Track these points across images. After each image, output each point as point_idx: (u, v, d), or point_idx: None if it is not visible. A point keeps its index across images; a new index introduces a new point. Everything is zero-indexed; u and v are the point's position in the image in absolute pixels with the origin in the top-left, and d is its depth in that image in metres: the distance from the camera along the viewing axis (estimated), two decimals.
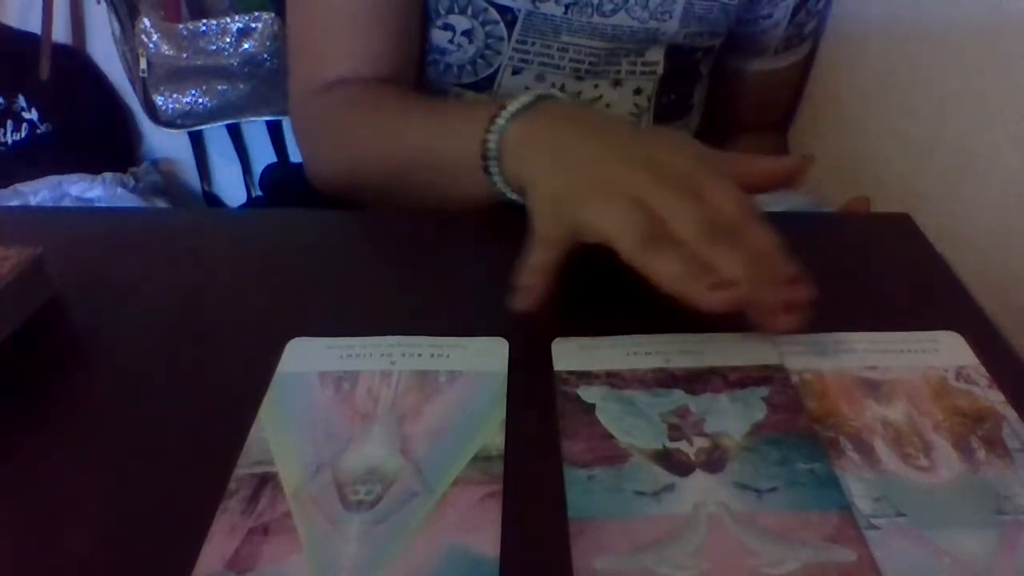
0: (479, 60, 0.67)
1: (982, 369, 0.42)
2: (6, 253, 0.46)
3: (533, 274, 0.44)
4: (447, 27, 0.67)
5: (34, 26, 1.32)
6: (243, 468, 0.36)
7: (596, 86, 0.69)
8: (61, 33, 1.36)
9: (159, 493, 0.36)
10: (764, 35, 0.75)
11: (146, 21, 1.23)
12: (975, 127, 0.58)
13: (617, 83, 0.69)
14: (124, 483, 0.36)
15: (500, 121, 0.49)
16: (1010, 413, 0.39)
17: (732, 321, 0.45)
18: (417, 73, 0.70)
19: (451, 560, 0.32)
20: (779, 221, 0.59)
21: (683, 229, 0.41)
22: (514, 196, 0.51)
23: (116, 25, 1.27)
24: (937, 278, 0.51)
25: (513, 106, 0.49)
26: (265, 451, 0.37)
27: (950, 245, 0.54)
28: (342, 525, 0.33)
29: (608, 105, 0.70)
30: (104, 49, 1.37)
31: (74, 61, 1.38)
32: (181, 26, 1.24)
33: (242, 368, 0.43)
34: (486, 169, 0.50)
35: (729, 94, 0.82)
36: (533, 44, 0.67)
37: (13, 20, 1.36)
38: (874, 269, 0.52)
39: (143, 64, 1.25)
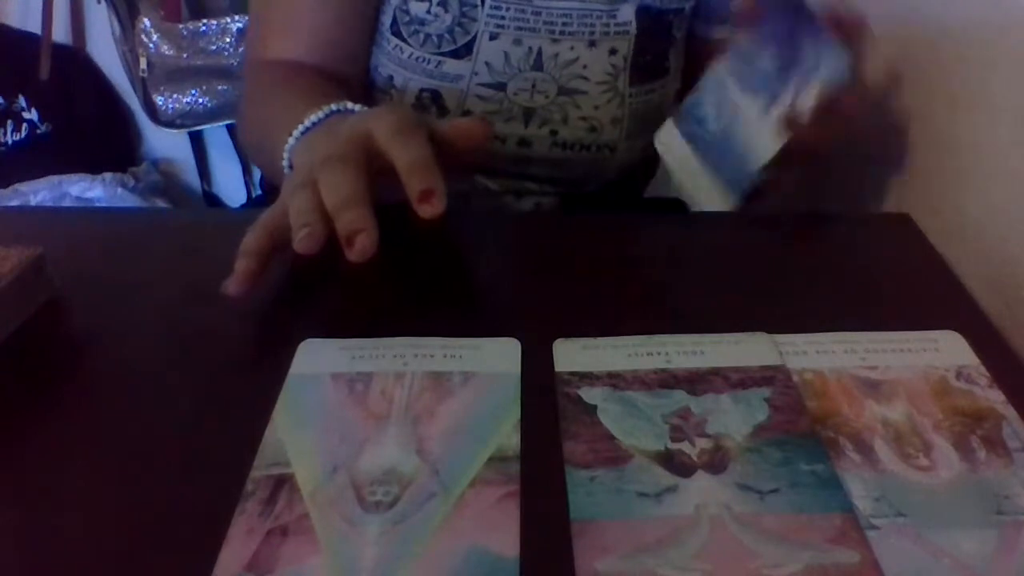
0: (456, 28, 0.69)
1: (982, 369, 0.42)
2: (6, 253, 0.46)
3: (248, 256, 0.46)
4: None
5: (34, 26, 1.32)
6: (259, 470, 0.36)
7: (572, 48, 0.71)
8: (61, 33, 1.36)
9: (173, 496, 0.36)
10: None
11: (146, 21, 1.23)
12: (976, 127, 0.58)
13: (592, 44, 0.71)
14: (134, 487, 0.36)
15: (291, 140, 0.55)
16: (1010, 413, 0.39)
17: (734, 321, 0.45)
18: (363, 57, 0.73)
19: (470, 561, 0.32)
20: (780, 222, 0.59)
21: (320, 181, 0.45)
22: None
23: (116, 25, 1.27)
24: (937, 278, 0.51)
25: (303, 125, 0.54)
26: (281, 452, 0.37)
27: (950, 245, 0.54)
28: (360, 526, 0.33)
29: (585, 66, 0.71)
30: (104, 49, 1.37)
31: (74, 61, 1.38)
32: (181, 26, 1.24)
33: (252, 369, 0.43)
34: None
35: (701, 64, 0.82)
36: (508, 9, 0.68)
37: (13, 20, 1.36)
38: (874, 269, 0.52)
39: (143, 64, 1.25)
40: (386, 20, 0.71)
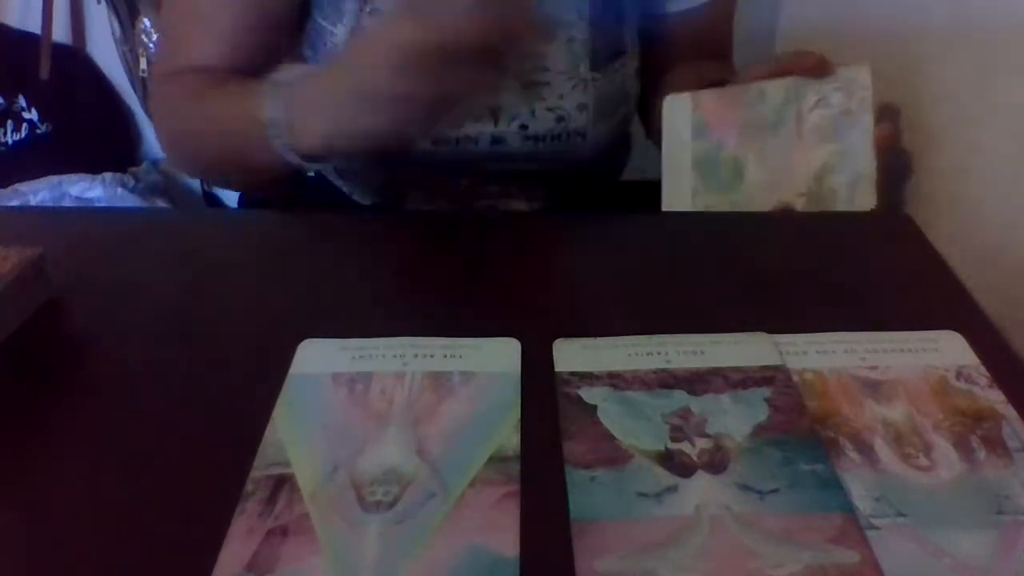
0: None
1: (982, 369, 0.42)
2: (6, 253, 0.46)
3: None
4: (375, 11, 0.68)
5: (34, 26, 1.32)
6: (259, 470, 0.36)
7: None
8: (61, 33, 1.36)
9: (172, 496, 0.36)
10: None
11: (146, 21, 1.23)
12: (976, 127, 0.58)
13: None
14: (133, 487, 0.36)
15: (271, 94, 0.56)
16: (1010, 413, 0.39)
17: (734, 321, 0.45)
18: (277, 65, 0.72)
19: (470, 560, 0.32)
20: (780, 221, 0.59)
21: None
22: (297, 161, 0.57)
23: (116, 25, 1.27)
24: (937, 278, 0.51)
25: (280, 78, 0.57)
26: (281, 452, 0.37)
27: (950, 245, 0.54)
28: (361, 526, 0.33)
29: (545, 58, 0.72)
30: (104, 49, 1.37)
31: (74, 61, 1.38)
32: None
33: (252, 369, 0.43)
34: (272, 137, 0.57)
35: (663, 40, 0.83)
36: None
37: (13, 20, 1.35)
38: (874, 269, 0.52)
39: (143, 64, 1.25)
40: (340, 42, 0.70)
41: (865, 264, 0.52)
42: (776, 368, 0.42)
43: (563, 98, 0.74)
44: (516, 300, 0.48)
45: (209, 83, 0.67)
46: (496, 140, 0.75)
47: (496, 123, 0.74)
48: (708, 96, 0.67)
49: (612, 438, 0.38)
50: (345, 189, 0.82)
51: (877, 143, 0.62)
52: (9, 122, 1.31)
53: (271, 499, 0.35)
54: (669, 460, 0.37)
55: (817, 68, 0.63)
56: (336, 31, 0.71)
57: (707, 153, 0.65)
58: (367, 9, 0.68)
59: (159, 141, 0.74)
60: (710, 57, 0.86)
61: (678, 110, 0.67)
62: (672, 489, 0.35)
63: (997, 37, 0.56)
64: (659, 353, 0.43)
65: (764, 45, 1.02)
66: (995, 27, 0.56)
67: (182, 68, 0.68)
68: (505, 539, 0.33)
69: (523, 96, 0.73)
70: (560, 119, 0.75)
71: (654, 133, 0.84)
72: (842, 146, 0.61)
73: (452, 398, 0.40)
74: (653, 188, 0.83)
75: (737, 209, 0.62)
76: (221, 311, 0.48)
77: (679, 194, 0.65)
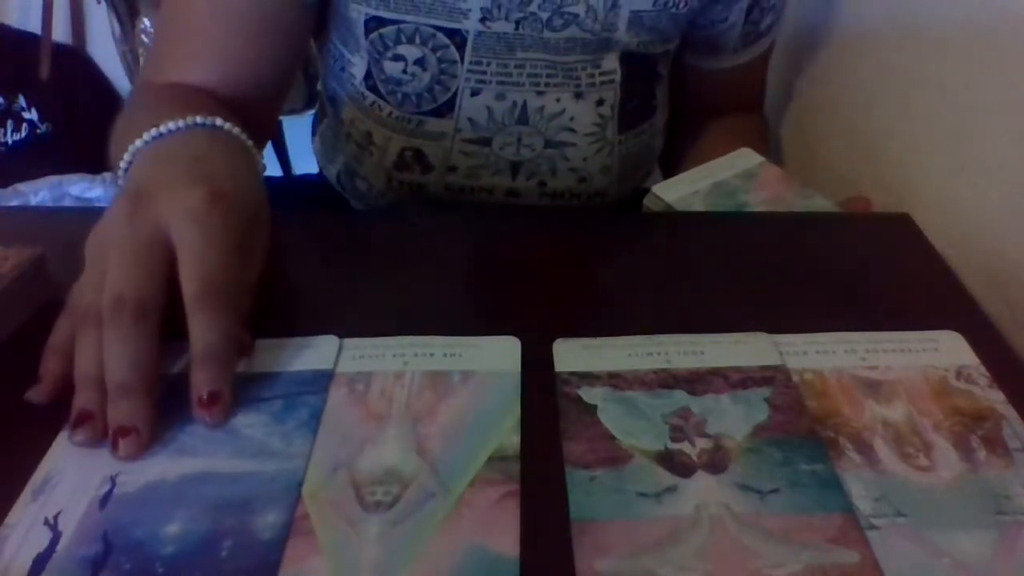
0: (436, 86, 0.67)
1: (982, 369, 0.42)
2: (6, 253, 0.46)
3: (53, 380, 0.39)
4: (398, 58, 0.65)
5: (34, 26, 1.32)
6: None
7: (558, 100, 0.68)
8: (61, 33, 1.36)
9: None
10: (721, 36, 0.75)
11: (146, 21, 1.23)
12: (975, 127, 0.58)
13: (579, 95, 0.69)
14: None
15: (138, 142, 0.46)
16: (1010, 413, 0.39)
17: (734, 321, 0.45)
18: (277, 93, 0.64)
19: (470, 560, 0.32)
20: (780, 222, 0.59)
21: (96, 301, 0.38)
22: None
23: (116, 25, 1.27)
24: (937, 278, 0.51)
25: (157, 129, 0.46)
26: None
27: (950, 245, 0.54)
28: (361, 526, 0.33)
29: (572, 118, 0.70)
30: (104, 49, 1.37)
31: (74, 61, 1.38)
32: None
33: None
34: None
35: (697, 91, 0.81)
36: (489, 64, 0.66)
37: (13, 20, 1.36)
38: (874, 269, 0.52)
39: (143, 64, 1.26)
40: (358, 72, 0.68)
41: (865, 264, 0.52)
42: (776, 368, 0.42)
43: (586, 160, 0.72)
44: (516, 300, 0.48)
45: (166, 96, 0.57)
46: (512, 193, 0.73)
47: (514, 177, 0.72)
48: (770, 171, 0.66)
49: (612, 438, 0.38)
50: (350, 201, 0.81)
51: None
52: (9, 122, 1.32)
53: None
54: (669, 460, 0.37)
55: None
56: (355, 72, 0.68)
57: (729, 186, 0.64)
58: (388, 55, 0.65)
59: None
60: (748, 102, 0.84)
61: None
62: (672, 489, 0.35)
63: (997, 37, 0.56)
64: (659, 353, 0.43)
65: None
66: (994, 27, 0.56)
67: (160, 84, 0.60)
68: (505, 539, 0.33)
69: (545, 155, 0.70)
70: (582, 180, 0.73)
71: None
72: None
73: (452, 397, 0.40)
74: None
75: None
76: None
77: (681, 185, 0.65)
